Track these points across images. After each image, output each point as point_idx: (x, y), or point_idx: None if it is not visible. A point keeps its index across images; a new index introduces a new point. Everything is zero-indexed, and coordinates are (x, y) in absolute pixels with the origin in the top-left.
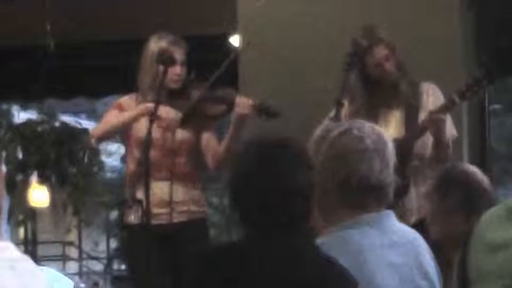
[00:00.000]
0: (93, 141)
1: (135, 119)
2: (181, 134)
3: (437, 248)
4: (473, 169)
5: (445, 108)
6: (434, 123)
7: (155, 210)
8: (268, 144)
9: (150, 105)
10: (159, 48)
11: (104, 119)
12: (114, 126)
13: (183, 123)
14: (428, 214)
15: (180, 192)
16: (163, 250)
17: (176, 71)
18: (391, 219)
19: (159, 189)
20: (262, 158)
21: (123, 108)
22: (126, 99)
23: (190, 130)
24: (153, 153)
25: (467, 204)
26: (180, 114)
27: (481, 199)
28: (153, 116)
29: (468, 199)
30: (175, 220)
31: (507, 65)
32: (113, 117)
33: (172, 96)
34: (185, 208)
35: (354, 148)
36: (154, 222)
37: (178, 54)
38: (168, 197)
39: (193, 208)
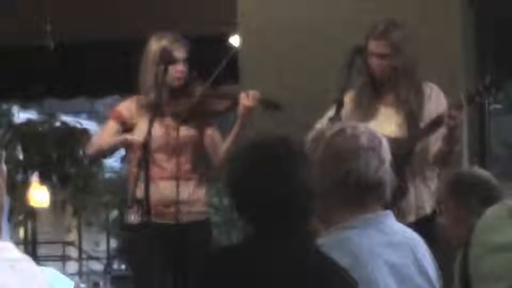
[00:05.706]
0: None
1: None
2: (185, 131)
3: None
4: (486, 174)
5: (456, 108)
6: (453, 119)
7: (161, 209)
8: (269, 143)
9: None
10: (161, 48)
11: (102, 131)
12: (107, 150)
13: (186, 119)
14: (443, 219)
15: (185, 192)
16: (166, 250)
17: (178, 69)
18: (390, 220)
19: (165, 188)
20: (263, 158)
21: (122, 117)
22: (125, 105)
23: (194, 127)
24: (158, 153)
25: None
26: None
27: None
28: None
29: (484, 206)
30: (180, 220)
31: (507, 65)
32: (107, 135)
33: (175, 94)
34: (191, 208)
35: (350, 146)
36: (159, 221)
37: (180, 53)
38: (174, 196)
39: (198, 208)
